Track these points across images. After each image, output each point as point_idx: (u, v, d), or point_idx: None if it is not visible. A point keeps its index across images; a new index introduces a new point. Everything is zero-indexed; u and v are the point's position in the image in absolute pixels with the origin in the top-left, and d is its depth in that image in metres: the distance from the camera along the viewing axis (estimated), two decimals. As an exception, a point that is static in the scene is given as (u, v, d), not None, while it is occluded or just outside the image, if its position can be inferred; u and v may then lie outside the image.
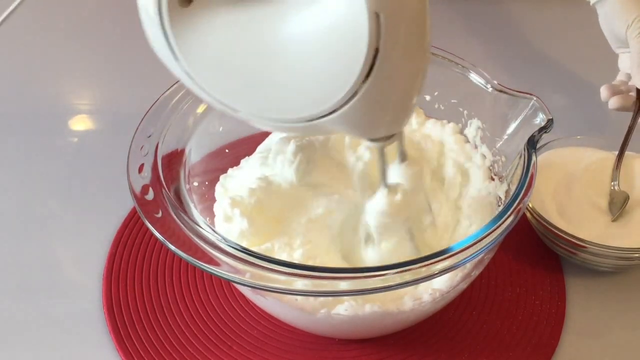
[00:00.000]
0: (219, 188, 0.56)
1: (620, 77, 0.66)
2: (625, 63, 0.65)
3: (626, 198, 0.59)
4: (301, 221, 0.51)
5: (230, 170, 0.58)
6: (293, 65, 0.38)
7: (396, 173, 0.49)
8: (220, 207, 0.53)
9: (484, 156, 0.57)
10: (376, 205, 0.48)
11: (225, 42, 0.40)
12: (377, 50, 0.36)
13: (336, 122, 0.40)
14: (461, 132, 0.60)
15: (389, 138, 0.44)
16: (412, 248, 0.49)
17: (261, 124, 0.44)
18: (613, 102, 0.64)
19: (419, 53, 0.39)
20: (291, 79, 0.39)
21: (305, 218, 0.52)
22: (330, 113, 0.39)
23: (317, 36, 0.37)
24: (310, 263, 0.49)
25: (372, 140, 0.44)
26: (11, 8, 0.98)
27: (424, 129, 0.61)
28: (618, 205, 0.59)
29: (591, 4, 0.66)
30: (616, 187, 0.61)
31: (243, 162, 0.59)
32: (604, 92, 0.65)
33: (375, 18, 0.34)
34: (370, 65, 0.36)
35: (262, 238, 0.50)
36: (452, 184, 0.57)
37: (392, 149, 0.47)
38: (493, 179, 0.56)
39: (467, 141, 0.59)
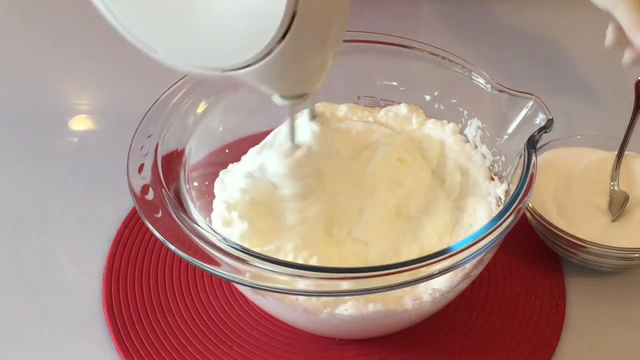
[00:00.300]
0: (218, 184, 0.56)
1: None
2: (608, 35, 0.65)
3: (626, 198, 0.59)
4: (294, 218, 0.51)
5: (230, 166, 0.58)
6: (213, 14, 0.39)
7: (306, 131, 0.51)
8: (217, 211, 0.53)
9: (483, 156, 0.57)
10: (276, 163, 0.50)
11: None
12: (294, 14, 0.37)
13: (249, 76, 0.41)
14: (461, 132, 0.60)
15: (300, 97, 0.46)
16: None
17: (177, 67, 0.44)
18: (628, 59, 0.64)
19: (335, 20, 0.40)
20: (210, 28, 0.39)
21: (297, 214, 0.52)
22: (244, 67, 0.40)
23: None
24: (314, 261, 0.49)
25: (283, 97, 0.46)
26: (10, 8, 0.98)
27: (424, 129, 0.61)
28: (618, 205, 0.59)
29: None
30: (616, 187, 0.61)
31: (243, 159, 0.59)
32: (609, 35, 0.64)
33: None
34: (286, 27, 0.37)
35: (264, 238, 0.50)
36: (452, 183, 0.57)
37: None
38: (493, 179, 0.56)
39: (467, 141, 0.59)
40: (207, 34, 0.40)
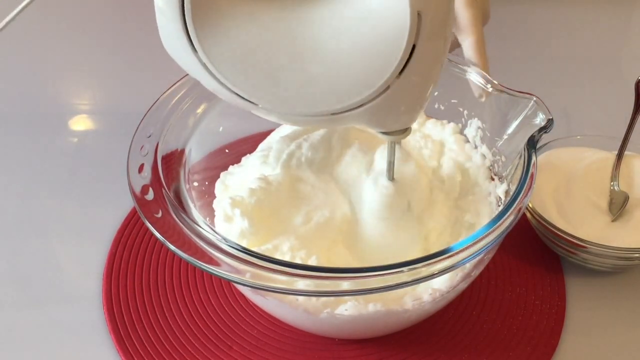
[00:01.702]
0: (219, 185, 0.56)
1: None
2: None
3: (626, 198, 0.59)
4: (301, 220, 0.51)
5: (231, 168, 0.58)
6: (326, 60, 0.38)
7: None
8: (220, 206, 0.53)
9: (483, 156, 0.57)
10: (372, 198, 0.50)
11: (252, 35, 0.39)
12: (414, 47, 0.36)
13: (359, 116, 0.40)
14: (461, 132, 0.60)
15: (403, 131, 0.45)
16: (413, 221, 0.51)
17: (279, 118, 0.43)
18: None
19: (445, 48, 0.40)
20: (322, 74, 0.39)
21: (304, 217, 0.52)
22: (358, 107, 0.39)
23: (355, 31, 0.37)
24: (313, 262, 0.49)
25: (388, 133, 0.45)
26: (14, 13, 0.98)
27: (424, 129, 0.61)
28: (618, 205, 0.59)
29: None
30: (616, 187, 0.61)
31: (244, 159, 0.59)
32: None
33: (417, 16, 0.35)
34: (406, 61, 0.37)
35: (263, 238, 0.50)
36: (452, 183, 0.57)
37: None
38: (493, 179, 0.56)
39: (467, 141, 0.59)
40: (318, 82, 0.39)
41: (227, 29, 0.39)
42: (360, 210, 0.52)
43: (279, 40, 0.39)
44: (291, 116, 0.43)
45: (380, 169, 0.51)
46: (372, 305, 0.47)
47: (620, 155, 0.62)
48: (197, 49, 0.40)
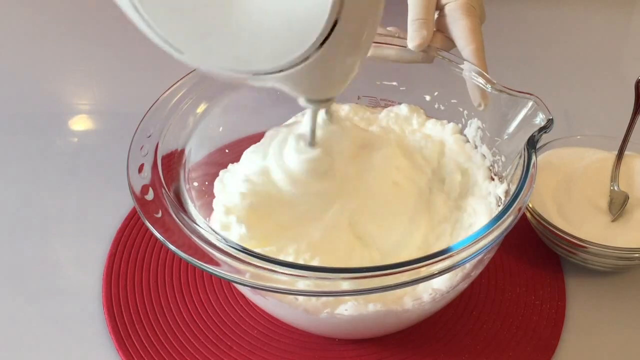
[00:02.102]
0: (217, 184, 0.56)
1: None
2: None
3: (626, 198, 0.59)
4: (299, 222, 0.51)
5: (230, 166, 0.58)
6: (252, 17, 0.38)
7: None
8: (216, 215, 0.53)
9: (483, 156, 0.57)
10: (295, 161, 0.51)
11: None
12: (336, 22, 0.36)
13: (280, 80, 0.41)
14: (461, 132, 0.60)
15: (326, 101, 0.46)
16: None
17: (204, 68, 0.43)
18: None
19: (371, 28, 0.41)
20: (248, 31, 0.39)
21: (301, 217, 0.52)
22: (278, 72, 0.39)
23: None
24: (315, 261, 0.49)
25: (309, 100, 0.46)
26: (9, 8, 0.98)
27: (424, 129, 0.61)
28: (618, 205, 0.59)
29: None
30: (616, 187, 0.61)
31: (243, 157, 0.59)
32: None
33: None
34: (327, 34, 0.37)
35: (263, 242, 0.50)
36: (452, 183, 0.57)
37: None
38: (493, 179, 0.56)
39: (467, 141, 0.59)
40: (244, 37, 0.39)
41: None
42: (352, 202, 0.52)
43: None
44: (215, 68, 0.42)
45: (303, 132, 0.52)
46: (372, 305, 0.47)
47: (620, 155, 0.62)
48: None
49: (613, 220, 0.59)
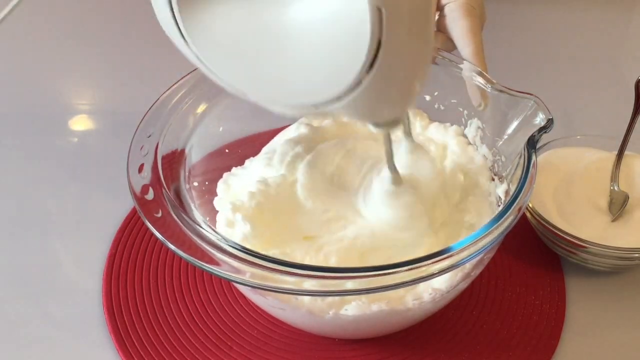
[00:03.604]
0: (221, 185, 0.56)
1: None
2: None
3: (626, 198, 0.59)
4: (306, 227, 0.52)
5: (234, 169, 0.58)
6: (298, 52, 0.39)
7: (404, 161, 0.52)
8: (222, 212, 0.53)
9: (485, 157, 0.57)
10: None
11: (232, 26, 0.40)
12: (379, 43, 0.36)
13: (341, 108, 0.40)
14: (462, 133, 0.60)
15: (393, 123, 0.46)
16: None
17: (270, 107, 0.44)
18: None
19: (421, 44, 0.40)
20: (296, 66, 0.39)
21: (310, 223, 0.52)
22: (335, 100, 0.39)
23: (322, 26, 0.38)
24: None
25: (375, 125, 0.46)
26: (9, 7, 0.98)
27: (427, 132, 0.61)
28: (618, 205, 0.59)
29: None
30: (616, 188, 0.61)
31: (247, 162, 0.59)
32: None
33: (378, 12, 0.35)
34: (373, 56, 0.37)
35: (267, 243, 0.50)
36: (454, 185, 0.57)
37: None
38: (493, 179, 0.56)
39: (469, 143, 0.59)
40: (294, 74, 0.40)
41: (211, 19, 0.40)
42: (369, 215, 0.52)
43: (258, 32, 0.40)
44: (278, 106, 0.43)
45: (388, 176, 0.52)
46: (375, 305, 0.47)
47: (620, 155, 0.62)
48: (186, 40, 0.41)
49: (613, 220, 0.59)
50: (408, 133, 0.53)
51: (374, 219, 0.52)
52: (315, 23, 0.38)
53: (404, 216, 0.51)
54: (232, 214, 0.51)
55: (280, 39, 0.39)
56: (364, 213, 0.52)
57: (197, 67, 0.44)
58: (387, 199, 0.51)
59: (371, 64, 0.37)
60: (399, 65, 0.39)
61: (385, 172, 0.51)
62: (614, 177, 0.61)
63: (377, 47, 0.36)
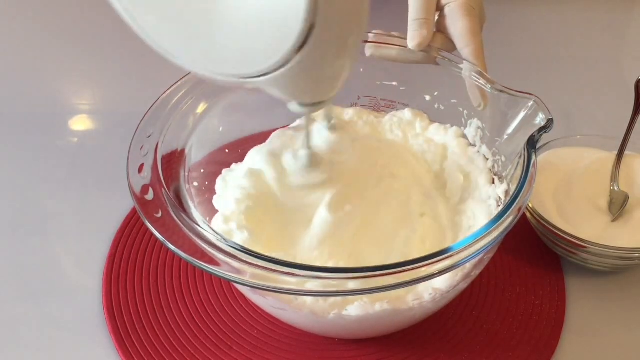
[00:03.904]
0: (219, 182, 0.56)
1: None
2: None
3: (626, 198, 0.59)
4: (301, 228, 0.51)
5: (233, 165, 0.58)
6: (231, 24, 0.39)
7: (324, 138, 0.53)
8: (217, 223, 0.53)
9: (485, 159, 0.57)
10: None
11: None
12: (312, 26, 0.37)
13: (267, 84, 0.41)
14: (462, 134, 0.60)
15: (317, 104, 0.47)
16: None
17: (196, 72, 0.44)
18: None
19: (353, 32, 0.41)
20: (228, 37, 0.40)
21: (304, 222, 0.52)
22: (262, 75, 0.40)
23: (259, 3, 0.38)
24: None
25: (300, 104, 0.46)
26: (9, 7, 0.98)
27: (427, 133, 0.61)
28: (618, 205, 0.59)
29: None
30: (616, 187, 0.61)
31: (246, 157, 0.59)
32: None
33: None
34: (304, 39, 0.37)
35: (267, 246, 0.50)
36: (454, 187, 0.57)
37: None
38: (494, 182, 0.56)
39: (470, 144, 0.59)
40: (226, 42, 0.40)
41: None
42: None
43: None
44: (206, 72, 0.43)
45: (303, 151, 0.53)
46: (378, 305, 0.47)
47: (620, 155, 0.62)
48: None
49: (613, 220, 0.59)
50: (329, 117, 0.55)
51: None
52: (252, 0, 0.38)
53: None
54: (226, 224, 0.51)
55: (217, 6, 0.39)
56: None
57: (131, 28, 0.43)
58: (301, 176, 0.52)
59: (301, 45, 0.37)
60: (329, 49, 0.40)
61: (302, 151, 0.52)
62: (614, 177, 0.61)
63: (309, 30, 0.37)
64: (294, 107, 0.46)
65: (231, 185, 0.55)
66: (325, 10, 0.36)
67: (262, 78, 0.40)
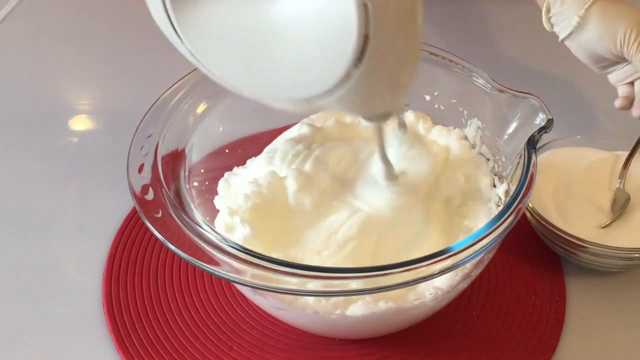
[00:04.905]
0: (222, 183, 0.56)
1: (623, 93, 0.64)
2: (619, 76, 0.65)
3: (628, 198, 0.59)
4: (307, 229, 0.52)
5: (235, 169, 0.58)
6: (287, 48, 0.39)
7: (398, 154, 0.53)
8: (221, 216, 0.53)
9: (486, 160, 0.57)
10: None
11: (224, 21, 0.41)
12: (367, 37, 0.37)
13: (332, 102, 0.41)
14: (465, 136, 0.60)
15: (385, 116, 0.47)
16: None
17: (264, 101, 0.44)
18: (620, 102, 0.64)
19: (409, 38, 0.40)
20: (287, 61, 0.40)
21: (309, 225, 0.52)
22: (326, 94, 0.40)
23: (310, 21, 0.38)
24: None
25: (367, 118, 0.46)
26: (9, 7, 0.98)
27: (430, 136, 0.61)
28: (620, 204, 0.59)
29: (560, 39, 0.65)
30: (621, 186, 0.60)
31: (249, 162, 0.59)
32: (621, 102, 0.64)
33: (364, 7, 0.35)
34: (361, 51, 0.37)
35: (268, 245, 0.50)
36: (455, 189, 0.57)
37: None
38: (495, 186, 0.55)
39: (472, 147, 0.59)
40: (284, 68, 0.40)
41: (203, 14, 0.41)
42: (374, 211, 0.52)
43: (249, 29, 0.41)
44: (273, 101, 0.44)
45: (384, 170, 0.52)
46: (382, 303, 0.47)
47: (632, 154, 0.62)
48: (180, 37, 0.42)
49: (613, 220, 0.59)
50: (403, 125, 0.54)
51: (369, 210, 0.52)
52: (304, 18, 0.38)
53: (397, 209, 0.51)
54: (231, 218, 0.51)
55: (270, 35, 0.39)
56: (359, 206, 0.52)
57: (196, 67, 0.44)
58: (381, 192, 0.52)
59: (359, 58, 0.37)
60: (387, 59, 0.40)
61: (378, 165, 0.52)
62: (622, 175, 0.61)
63: (364, 42, 0.37)
64: (364, 122, 0.47)
65: (242, 181, 0.55)
66: (377, 20, 0.36)
67: (327, 98, 0.40)
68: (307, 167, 0.54)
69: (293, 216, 0.52)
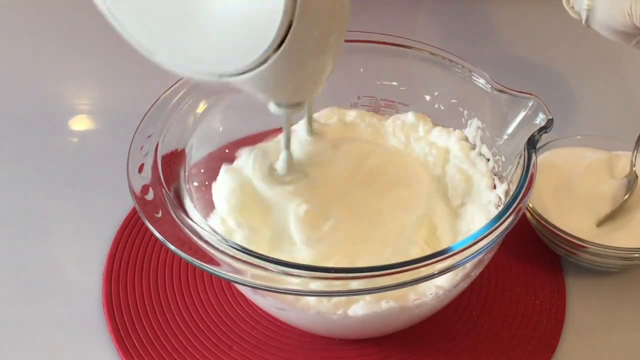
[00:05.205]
0: (214, 185, 0.56)
1: None
2: None
3: (636, 178, 0.59)
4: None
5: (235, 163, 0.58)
6: (212, 21, 0.39)
7: (302, 144, 0.53)
8: (215, 223, 0.52)
9: (487, 162, 0.57)
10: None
11: None
12: (290, 24, 0.37)
13: (245, 83, 0.41)
14: (465, 138, 0.60)
15: (296, 105, 0.46)
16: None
17: (175, 70, 0.44)
18: None
19: (333, 32, 0.40)
20: (208, 34, 0.40)
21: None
22: (240, 74, 0.40)
23: (239, 1, 0.38)
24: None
25: (278, 105, 0.46)
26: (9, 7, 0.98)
27: (430, 137, 0.61)
28: (630, 186, 0.59)
29: (584, 24, 0.64)
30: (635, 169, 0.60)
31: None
32: None
33: None
34: (282, 37, 0.37)
35: (269, 246, 0.50)
36: (455, 190, 0.57)
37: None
38: (495, 187, 0.55)
39: (473, 148, 0.59)
40: (205, 40, 0.40)
41: None
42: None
43: None
44: (184, 71, 0.43)
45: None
46: (384, 303, 0.47)
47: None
48: None
49: (612, 216, 0.58)
50: (309, 118, 0.53)
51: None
52: None
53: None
54: (223, 225, 0.51)
55: (196, 5, 0.39)
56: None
57: (106, 19, 0.42)
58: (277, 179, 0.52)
59: (279, 43, 0.37)
60: (308, 49, 0.40)
61: (282, 155, 0.51)
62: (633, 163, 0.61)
63: (287, 28, 0.37)
64: (272, 107, 0.46)
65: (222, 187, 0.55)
66: (303, 7, 0.36)
67: (239, 77, 0.40)
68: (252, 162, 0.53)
69: (273, 209, 0.52)
